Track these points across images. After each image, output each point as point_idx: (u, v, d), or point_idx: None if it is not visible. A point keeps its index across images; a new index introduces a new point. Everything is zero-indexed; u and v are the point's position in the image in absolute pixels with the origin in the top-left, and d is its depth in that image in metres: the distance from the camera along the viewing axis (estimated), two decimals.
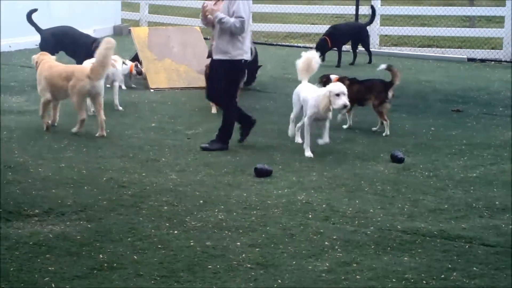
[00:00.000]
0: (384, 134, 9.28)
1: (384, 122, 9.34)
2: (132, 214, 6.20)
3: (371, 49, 15.44)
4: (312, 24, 19.20)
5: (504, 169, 7.89)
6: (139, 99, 11.11)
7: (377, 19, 17.38)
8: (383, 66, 9.67)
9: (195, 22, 17.83)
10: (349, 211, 6.44)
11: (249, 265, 5.23)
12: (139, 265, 5.17)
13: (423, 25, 18.86)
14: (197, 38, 12.93)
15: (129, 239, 5.65)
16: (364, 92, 9.41)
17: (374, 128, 9.49)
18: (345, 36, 15.12)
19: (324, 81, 9.50)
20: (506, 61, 16.04)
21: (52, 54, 10.72)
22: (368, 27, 15.74)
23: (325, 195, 6.87)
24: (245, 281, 4.98)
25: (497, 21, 18.44)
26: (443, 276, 5.16)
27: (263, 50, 14.08)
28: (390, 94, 9.33)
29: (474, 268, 5.30)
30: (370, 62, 15.03)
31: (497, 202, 6.76)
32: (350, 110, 9.20)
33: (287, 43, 18.01)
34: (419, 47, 17.61)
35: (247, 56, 8.35)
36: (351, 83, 9.35)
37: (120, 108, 10.24)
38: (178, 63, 12.29)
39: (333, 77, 9.59)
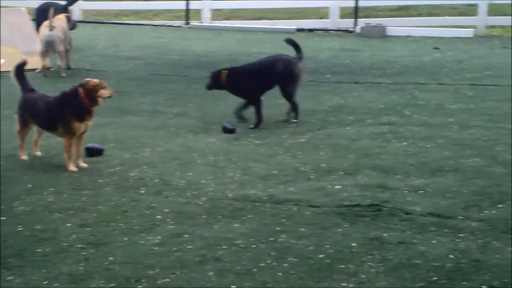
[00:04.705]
0: None
1: None
2: None
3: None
4: (144, 1, 19.07)
5: (330, 133, 8.20)
6: None
7: None
8: None
9: (20, 4, 17.23)
10: (182, 184, 6.49)
11: (80, 245, 5.17)
12: None
13: None
14: (23, 19, 12.53)
15: None
16: None
17: None
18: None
19: None
20: (333, 30, 16.62)
21: None
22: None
23: (158, 170, 6.88)
24: (76, 262, 4.92)
25: None
26: (272, 238, 5.29)
27: (94, 29, 13.80)
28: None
29: (302, 229, 5.47)
30: None
31: (323, 165, 7.01)
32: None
33: (118, 21, 17.78)
34: (250, 19, 17.93)
35: None
36: None
37: None
38: (6, 46, 11.83)
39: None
